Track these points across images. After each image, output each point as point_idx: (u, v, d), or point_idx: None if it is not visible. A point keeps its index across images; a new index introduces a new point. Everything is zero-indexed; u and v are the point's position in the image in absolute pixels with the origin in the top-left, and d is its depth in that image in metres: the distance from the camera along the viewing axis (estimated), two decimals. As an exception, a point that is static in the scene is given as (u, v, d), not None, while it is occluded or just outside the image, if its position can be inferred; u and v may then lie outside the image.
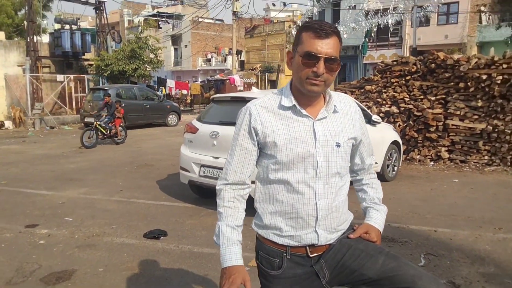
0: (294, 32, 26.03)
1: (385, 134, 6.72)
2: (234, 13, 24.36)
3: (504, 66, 7.39)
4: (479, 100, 7.72)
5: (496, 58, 7.52)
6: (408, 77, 8.61)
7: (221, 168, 5.08)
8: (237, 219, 1.60)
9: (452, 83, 8.04)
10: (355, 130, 1.64)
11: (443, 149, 8.13)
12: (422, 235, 4.39)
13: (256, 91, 5.96)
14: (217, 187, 1.65)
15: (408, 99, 8.57)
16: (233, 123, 5.61)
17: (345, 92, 8.69)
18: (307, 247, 1.58)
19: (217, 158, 5.10)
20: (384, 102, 8.84)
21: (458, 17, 23.73)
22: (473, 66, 7.71)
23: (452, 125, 8.00)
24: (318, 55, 1.45)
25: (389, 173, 6.86)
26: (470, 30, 23.44)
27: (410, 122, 8.45)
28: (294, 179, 1.55)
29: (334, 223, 1.61)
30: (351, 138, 1.63)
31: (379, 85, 9.07)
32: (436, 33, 24.10)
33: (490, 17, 23.42)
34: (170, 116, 17.04)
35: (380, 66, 9.58)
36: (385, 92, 8.91)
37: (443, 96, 8.16)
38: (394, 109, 8.65)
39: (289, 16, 39.04)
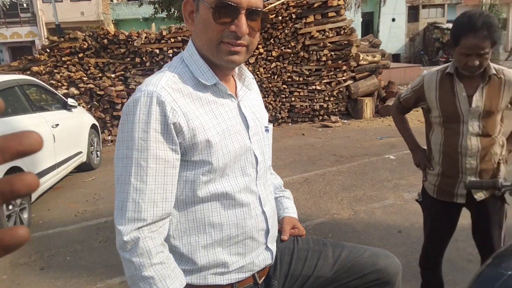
0: None
1: (83, 118, 5.98)
2: None
3: (172, 40, 7.99)
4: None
5: (164, 33, 8.01)
6: (81, 55, 7.91)
7: None
8: (179, 278, 1.01)
9: (128, 59, 8.01)
10: (265, 108, 1.31)
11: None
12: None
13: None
14: (125, 238, 0.95)
15: (86, 78, 7.91)
16: None
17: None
18: (256, 273, 1.17)
19: None
20: (60, 83, 7.84)
21: (90, -6, 23.74)
22: (145, 41, 7.91)
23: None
24: (237, 5, 0.99)
25: (94, 160, 6.23)
26: (104, 8, 24.02)
27: (94, 102, 7.93)
28: (234, 187, 1.09)
29: (276, 229, 1.26)
30: (268, 118, 1.29)
31: (49, 65, 7.91)
32: (71, 10, 23.27)
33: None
34: None
35: (43, 45, 8.33)
36: (58, 73, 7.87)
37: (122, 72, 8.03)
38: (74, 90, 7.82)
39: None
